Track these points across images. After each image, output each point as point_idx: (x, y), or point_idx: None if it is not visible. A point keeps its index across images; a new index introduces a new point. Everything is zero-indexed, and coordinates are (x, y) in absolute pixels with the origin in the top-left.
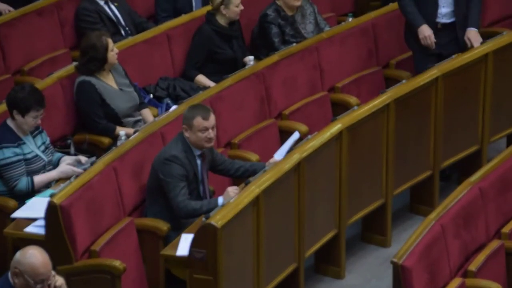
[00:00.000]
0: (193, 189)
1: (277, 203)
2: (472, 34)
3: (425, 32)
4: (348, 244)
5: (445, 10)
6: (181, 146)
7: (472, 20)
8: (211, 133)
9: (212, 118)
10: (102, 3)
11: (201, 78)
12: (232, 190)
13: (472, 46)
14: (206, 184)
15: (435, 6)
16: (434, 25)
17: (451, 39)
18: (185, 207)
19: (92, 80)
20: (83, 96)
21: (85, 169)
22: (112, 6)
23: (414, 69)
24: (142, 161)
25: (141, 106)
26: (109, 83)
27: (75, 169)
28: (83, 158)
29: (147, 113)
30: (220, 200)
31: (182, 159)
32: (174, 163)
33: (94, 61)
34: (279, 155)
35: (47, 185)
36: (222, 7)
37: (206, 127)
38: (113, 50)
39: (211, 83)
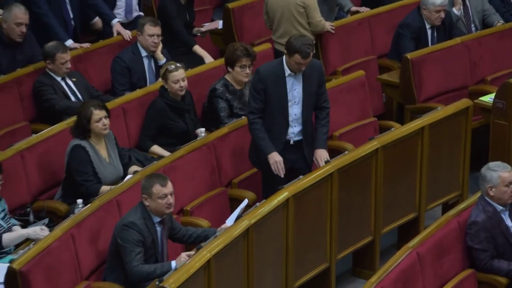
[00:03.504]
0: (151, 255)
1: (228, 267)
2: (319, 154)
3: (275, 157)
4: None
5: (296, 129)
6: (140, 213)
7: (319, 141)
8: (170, 199)
9: (169, 185)
10: (59, 79)
11: (156, 149)
12: (184, 255)
13: (319, 165)
14: (165, 249)
15: (287, 126)
16: (286, 142)
17: (301, 155)
18: (139, 271)
19: (86, 146)
20: (75, 159)
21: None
22: (69, 82)
23: (262, 192)
24: (98, 228)
25: (126, 165)
26: (101, 151)
27: (46, 232)
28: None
29: (134, 169)
30: (173, 264)
31: (140, 226)
32: (131, 229)
33: (79, 128)
34: (230, 221)
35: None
36: (163, 81)
37: (165, 193)
38: (100, 122)
39: (165, 153)
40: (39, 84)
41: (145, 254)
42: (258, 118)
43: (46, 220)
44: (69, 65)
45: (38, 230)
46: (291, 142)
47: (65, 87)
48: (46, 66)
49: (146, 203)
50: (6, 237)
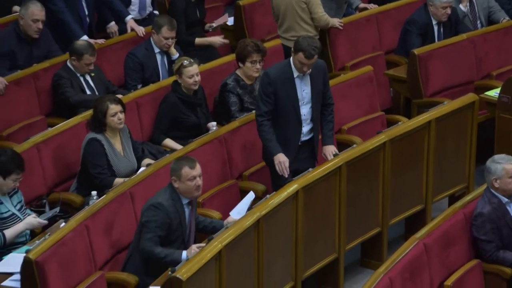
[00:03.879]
0: (178, 236)
1: (238, 258)
2: (327, 149)
3: (280, 158)
4: None
5: (305, 129)
6: (169, 194)
7: (327, 137)
8: (199, 181)
9: (198, 167)
10: (78, 74)
11: (168, 142)
12: (195, 247)
13: (327, 159)
14: (192, 231)
15: (300, 126)
16: (297, 144)
17: (308, 154)
18: (150, 251)
19: (102, 139)
20: (90, 152)
21: (48, 219)
22: (88, 77)
23: (271, 187)
24: (112, 219)
25: (140, 159)
26: (116, 145)
27: (40, 220)
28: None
29: (147, 162)
30: (184, 254)
31: (167, 207)
32: (158, 209)
33: (95, 122)
34: (234, 213)
35: (17, 239)
36: (177, 76)
37: (194, 175)
38: (116, 116)
39: (178, 146)
40: (57, 77)
41: (172, 235)
42: (266, 120)
43: (57, 209)
44: (92, 66)
45: (31, 220)
46: (299, 142)
47: (83, 82)
48: (69, 60)
49: (176, 185)
50: (8, 234)
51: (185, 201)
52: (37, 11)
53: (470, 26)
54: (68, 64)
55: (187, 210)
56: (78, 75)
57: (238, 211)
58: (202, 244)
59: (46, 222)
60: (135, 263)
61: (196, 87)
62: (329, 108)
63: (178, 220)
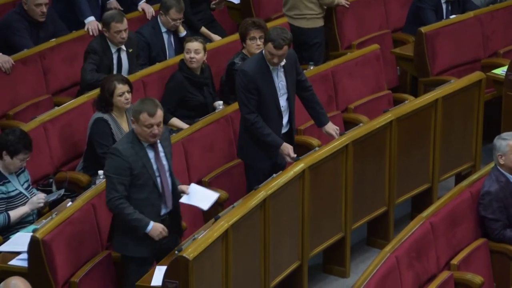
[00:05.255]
0: (146, 181)
1: (245, 237)
2: (331, 127)
3: (288, 147)
4: (310, 274)
5: (285, 121)
6: (127, 138)
7: (324, 117)
8: (156, 129)
9: (158, 115)
10: (113, 49)
11: (175, 121)
12: (160, 227)
13: (336, 137)
14: (164, 177)
15: (281, 117)
16: (280, 136)
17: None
18: (118, 208)
19: (108, 119)
20: (96, 132)
21: (53, 200)
22: (123, 54)
23: (246, 186)
24: None
25: None
26: (122, 124)
27: (41, 200)
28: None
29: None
30: (150, 225)
31: (123, 151)
32: (115, 155)
33: (102, 101)
34: (192, 190)
35: (24, 218)
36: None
37: (151, 123)
38: (123, 96)
39: (184, 125)
40: (91, 49)
41: (137, 179)
42: (257, 116)
43: (61, 191)
44: (124, 34)
45: (35, 201)
46: (280, 135)
47: (115, 59)
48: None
49: (133, 126)
50: (12, 214)
51: (145, 144)
52: None
53: (478, 3)
54: (106, 36)
55: (150, 154)
56: (113, 50)
57: (194, 194)
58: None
59: (43, 199)
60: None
61: (192, 65)
62: (311, 92)
63: (140, 162)
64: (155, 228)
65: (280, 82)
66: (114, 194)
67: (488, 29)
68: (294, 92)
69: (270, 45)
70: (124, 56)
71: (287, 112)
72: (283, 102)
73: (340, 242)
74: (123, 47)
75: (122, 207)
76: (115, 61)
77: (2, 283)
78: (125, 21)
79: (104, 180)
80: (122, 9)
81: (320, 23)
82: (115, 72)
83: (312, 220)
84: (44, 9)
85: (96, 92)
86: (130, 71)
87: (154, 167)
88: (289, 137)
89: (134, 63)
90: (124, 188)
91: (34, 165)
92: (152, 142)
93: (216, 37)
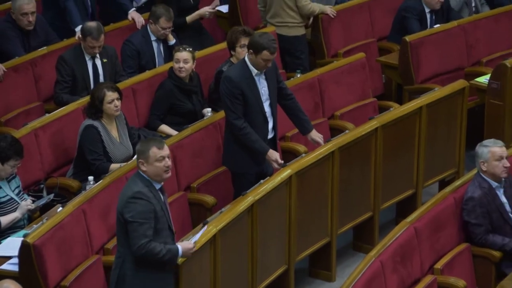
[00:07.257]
0: (163, 224)
1: (233, 242)
2: (316, 134)
3: (275, 154)
4: (297, 278)
5: (270, 126)
6: (141, 182)
7: (308, 124)
8: (168, 161)
9: (166, 148)
10: (87, 58)
11: (164, 128)
12: (187, 243)
13: (321, 144)
14: (170, 217)
15: (266, 123)
16: (266, 143)
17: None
18: (149, 250)
19: (98, 126)
20: (86, 139)
21: (43, 204)
22: (98, 62)
23: (234, 193)
24: (109, 204)
25: (135, 144)
26: (112, 131)
27: (28, 203)
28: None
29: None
30: (180, 248)
31: (147, 193)
32: (139, 199)
33: (92, 108)
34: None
35: (15, 223)
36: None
37: (162, 156)
38: (112, 103)
39: (173, 132)
40: (62, 60)
41: (159, 223)
42: (245, 122)
43: (51, 196)
44: (97, 50)
45: (24, 206)
46: (266, 142)
47: (89, 68)
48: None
49: (143, 168)
50: (3, 220)
51: (158, 186)
52: (24, 5)
53: (466, 13)
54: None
55: (162, 196)
56: (87, 58)
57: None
58: (193, 239)
59: (31, 205)
60: (131, 268)
61: (181, 74)
62: (292, 98)
63: (159, 206)
64: (185, 249)
65: (263, 88)
66: (143, 240)
67: (471, 38)
68: (276, 99)
69: (266, 52)
70: (99, 63)
71: (271, 118)
72: (266, 107)
73: (326, 247)
74: (98, 55)
75: (153, 248)
76: (90, 68)
77: None
78: (101, 37)
79: (94, 185)
80: (142, 20)
81: (301, 31)
82: (91, 79)
83: (299, 225)
84: (31, 18)
85: (86, 99)
86: (105, 80)
87: (166, 210)
88: (274, 143)
89: (109, 72)
90: (150, 233)
91: (25, 171)
92: (166, 178)
93: (204, 11)
